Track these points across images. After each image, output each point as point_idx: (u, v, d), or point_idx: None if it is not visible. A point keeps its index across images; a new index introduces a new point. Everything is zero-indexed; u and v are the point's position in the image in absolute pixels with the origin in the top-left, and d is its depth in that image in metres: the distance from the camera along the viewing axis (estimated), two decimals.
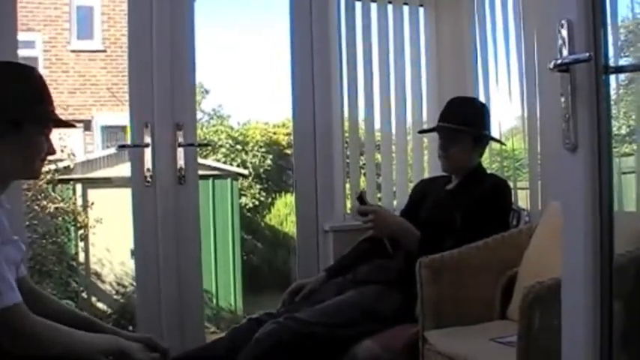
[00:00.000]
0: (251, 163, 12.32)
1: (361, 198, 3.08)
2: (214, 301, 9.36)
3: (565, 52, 1.42)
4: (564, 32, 1.41)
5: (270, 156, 12.56)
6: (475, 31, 4.00)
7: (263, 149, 12.58)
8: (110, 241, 8.89)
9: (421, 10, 4.13)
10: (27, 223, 5.96)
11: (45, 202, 8.10)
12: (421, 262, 2.73)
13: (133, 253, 3.86)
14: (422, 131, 3.66)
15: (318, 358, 2.94)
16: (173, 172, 3.36)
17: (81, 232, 8.89)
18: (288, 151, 12.33)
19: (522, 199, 3.92)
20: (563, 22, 1.41)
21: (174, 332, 3.31)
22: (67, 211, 8.66)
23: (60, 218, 8.48)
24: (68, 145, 8.58)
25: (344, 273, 3.12)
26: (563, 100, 1.47)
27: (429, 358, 2.61)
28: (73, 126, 2.24)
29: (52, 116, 2.06)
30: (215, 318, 9.14)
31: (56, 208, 8.29)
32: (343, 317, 2.79)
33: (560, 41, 1.43)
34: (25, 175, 2.09)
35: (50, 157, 2.20)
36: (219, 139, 12.48)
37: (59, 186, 8.70)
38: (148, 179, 3.34)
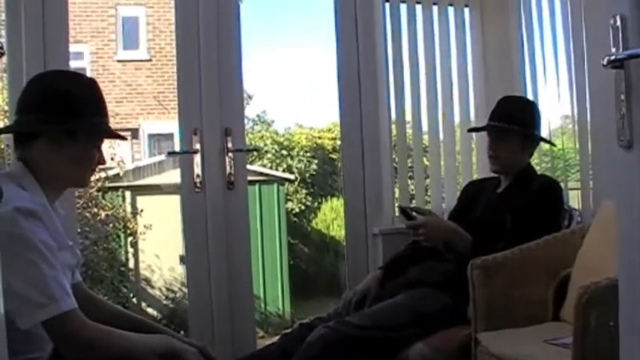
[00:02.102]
0: (297, 168, 12.36)
1: (405, 213, 3.01)
2: (262, 305, 9.41)
3: (619, 48, 1.40)
4: (617, 27, 1.39)
5: (316, 161, 12.58)
6: (522, 30, 3.96)
7: (308, 154, 12.61)
8: (159, 248, 9.00)
9: (466, 10, 4.10)
10: (79, 229, 6.06)
11: (96, 209, 8.24)
12: (473, 263, 2.71)
13: (182, 259, 3.90)
14: (471, 129, 3.64)
15: None
16: (222, 177, 3.39)
17: (131, 238, 9.02)
18: (334, 156, 12.34)
19: (573, 199, 3.87)
20: (616, 16, 1.39)
21: (225, 337, 3.33)
22: (118, 217, 8.79)
23: (110, 225, 8.61)
24: (117, 153, 8.71)
25: (396, 274, 3.11)
26: (617, 96, 1.45)
27: None
28: (124, 138, 2.27)
29: (106, 128, 2.09)
30: (263, 323, 9.18)
31: (107, 215, 8.42)
32: (394, 320, 2.78)
33: (613, 37, 1.41)
34: (75, 184, 2.12)
35: (100, 166, 2.24)
36: (265, 145, 12.55)
37: (109, 193, 8.83)
38: (198, 185, 3.37)
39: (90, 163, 2.08)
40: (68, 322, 1.80)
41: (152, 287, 9.47)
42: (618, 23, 1.41)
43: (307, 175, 12.51)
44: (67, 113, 1.98)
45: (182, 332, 2.60)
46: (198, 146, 3.38)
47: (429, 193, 4.09)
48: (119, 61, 13.71)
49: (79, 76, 2.11)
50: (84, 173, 2.10)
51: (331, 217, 11.91)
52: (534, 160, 3.46)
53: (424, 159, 4.17)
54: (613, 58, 1.41)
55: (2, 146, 4.42)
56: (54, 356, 1.98)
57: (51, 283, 1.78)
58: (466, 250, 2.87)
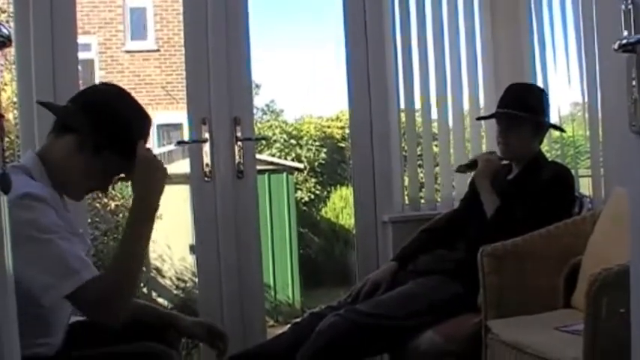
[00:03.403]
0: (306, 157, 12.35)
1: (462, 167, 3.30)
2: (273, 294, 9.42)
3: (631, 32, 1.39)
4: (629, 11, 1.38)
5: (325, 149, 12.57)
6: (531, 15, 3.92)
7: (317, 143, 12.60)
8: (170, 237, 9.01)
9: None
10: (89, 220, 6.08)
11: (106, 200, 8.25)
12: (483, 250, 2.71)
13: (192, 248, 3.91)
14: (480, 118, 3.63)
15: (380, 349, 2.96)
16: (232, 166, 3.39)
17: None
18: (342, 145, 12.32)
19: (584, 186, 3.85)
20: (627, 0, 1.38)
21: (235, 326, 3.34)
22: (128, 208, 8.80)
23: (120, 215, 8.63)
24: None
25: (407, 263, 3.11)
26: (628, 81, 1.44)
27: (493, 347, 2.59)
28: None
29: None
30: (273, 311, 9.19)
31: (117, 206, 8.43)
32: (404, 309, 2.79)
33: (624, 21, 1.40)
34: (70, 193, 2.11)
35: (98, 192, 2.27)
36: (274, 134, 12.55)
37: (119, 184, 8.82)
38: (207, 174, 3.38)
39: (95, 184, 2.11)
40: (93, 290, 1.83)
41: (163, 277, 9.50)
42: (630, 7, 1.39)
43: (316, 164, 12.50)
44: (109, 132, 2.00)
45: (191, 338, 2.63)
46: (207, 135, 3.38)
47: (438, 181, 4.08)
48: (127, 51, 13.73)
49: (142, 111, 2.13)
50: (83, 187, 2.13)
51: (340, 206, 11.90)
52: (544, 147, 3.44)
53: (434, 146, 4.15)
54: (625, 42, 1.40)
55: (12, 137, 4.44)
56: (66, 343, 2.00)
57: (69, 257, 1.82)
58: (490, 210, 2.95)
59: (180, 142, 6.01)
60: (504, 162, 3.16)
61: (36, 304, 1.81)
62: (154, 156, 2.07)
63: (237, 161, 3.40)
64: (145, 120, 2.13)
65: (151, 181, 2.01)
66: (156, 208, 1.99)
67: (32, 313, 1.75)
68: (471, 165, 3.20)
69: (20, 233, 1.68)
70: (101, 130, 1.99)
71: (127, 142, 2.01)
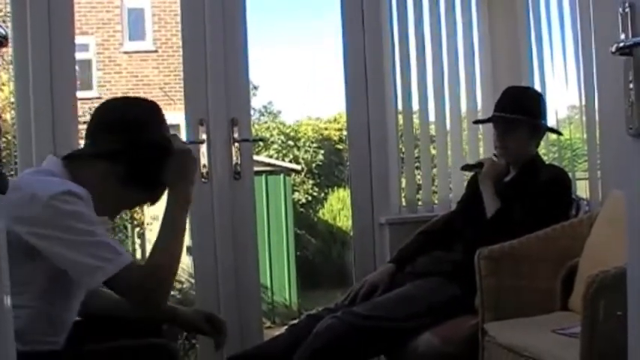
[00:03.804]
0: (303, 158, 12.36)
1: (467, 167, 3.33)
2: (269, 296, 9.42)
3: (628, 35, 1.39)
4: (626, 14, 1.38)
5: (322, 151, 12.58)
6: (529, 18, 3.93)
7: (315, 145, 12.61)
8: None
9: (473, 0, 4.07)
10: None
11: None
12: (480, 252, 2.71)
13: (189, 249, 3.91)
14: (477, 121, 3.62)
15: (377, 351, 2.95)
16: (229, 167, 3.39)
17: (137, 229, 9.03)
18: (340, 146, 12.33)
19: (581, 189, 3.86)
20: (625, 3, 1.38)
21: (233, 328, 3.31)
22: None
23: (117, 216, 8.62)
24: None
25: (405, 265, 3.11)
26: (625, 84, 1.44)
27: (490, 350, 2.59)
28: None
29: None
30: (270, 313, 9.19)
31: None
32: (402, 310, 2.79)
33: (621, 23, 1.40)
34: (101, 212, 2.13)
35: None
36: (271, 136, 12.55)
37: None
38: (204, 175, 3.38)
39: (126, 208, 2.23)
40: (135, 274, 1.91)
41: None
42: (627, 10, 1.40)
43: (314, 165, 12.52)
44: (147, 158, 2.08)
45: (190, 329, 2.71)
46: (204, 136, 3.38)
47: (435, 183, 4.08)
48: (125, 52, 13.71)
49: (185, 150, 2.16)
50: (116, 210, 2.26)
51: (338, 208, 11.91)
52: (541, 150, 3.44)
53: (431, 149, 4.15)
54: (622, 45, 1.40)
55: (9, 137, 4.44)
56: (69, 340, 2.07)
57: (111, 242, 1.93)
58: (491, 211, 2.97)
59: None
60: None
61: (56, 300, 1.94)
62: (189, 148, 2.16)
63: (234, 162, 3.40)
64: (183, 146, 2.18)
65: (186, 173, 2.09)
66: (190, 199, 2.09)
67: (45, 313, 1.92)
68: (477, 165, 3.21)
69: (62, 224, 1.85)
70: (134, 160, 2.06)
71: (158, 171, 2.09)
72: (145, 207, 8.90)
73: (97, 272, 1.87)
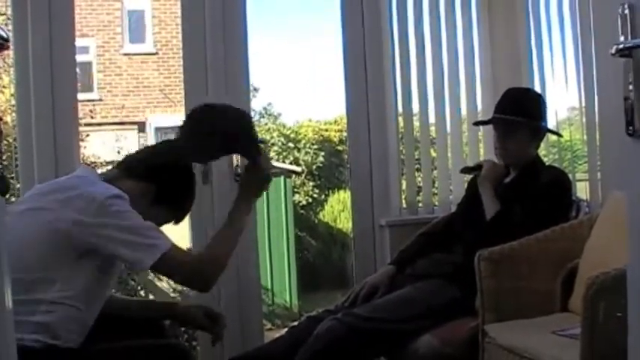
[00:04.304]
0: (303, 160, 12.35)
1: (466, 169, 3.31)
2: (270, 298, 9.41)
3: (627, 37, 1.39)
4: (626, 16, 1.38)
5: (323, 153, 12.57)
6: (529, 19, 3.94)
7: (315, 146, 12.60)
8: None
9: (473, 1, 4.07)
10: None
11: None
12: (480, 254, 2.71)
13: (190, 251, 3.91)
14: (477, 123, 3.62)
15: (378, 353, 2.95)
16: (229, 169, 3.40)
17: None
18: (340, 148, 12.33)
19: (581, 190, 3.86)
20: (624, 5, 1.38)
21: (233, 330, 3.32)
22: None
23: None
24: (125, 147, 8.72)
25: (405, 267, 3.11)
26: (625, 86, 1.45)
27: (490, 351, 2.59)
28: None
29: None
30: (271, 315, 9.18)
31: None
32: (402, 312, 2.79)
33: (621, 25, 1.40)
34: None
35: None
36: (272, 138, 12.55)
37: None
38: (205, 178, 3.38)
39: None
40: (177, 253, 2.16)
41: (160, 280, 9.46)
42: (626, 11, 1.40)
43: (314, 167, 12.51)
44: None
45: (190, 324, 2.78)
46: None
47: (436, 185, 4.08)
48: (125, 54, 13.74)
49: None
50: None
51: (338, 210, 11.90)
52: (542, 152, 3.44)
53: (431, 151, 4.16)
54: (621, 46, 1.40)
55: (10, 140, 4.44)
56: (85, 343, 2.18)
57: (152, 227, 2.15)
58: (490, 213, 2.96)
59: None
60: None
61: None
62: (272, 170, 2.45)
63: (234, 164, 3.40)
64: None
65: (259, 189, 2.40)
66: (251, 208, 2.43)
67: (78, 312, 2.09)
68: (476, 168, 3.20)
69: (119, 216, 2.09)
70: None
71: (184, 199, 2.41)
72: None
73: (153, 249, 2.09)
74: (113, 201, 2.10)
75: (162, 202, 2.30)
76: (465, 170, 3.34)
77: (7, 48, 1.24)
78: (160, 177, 2.29)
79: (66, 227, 2.05)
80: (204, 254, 2.27)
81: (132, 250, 2.10)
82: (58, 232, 2.06)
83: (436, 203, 3.97)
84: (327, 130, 12.92)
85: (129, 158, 2.39)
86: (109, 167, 2.50)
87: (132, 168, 2.31)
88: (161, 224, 2.27)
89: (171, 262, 2.13)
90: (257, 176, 2.37)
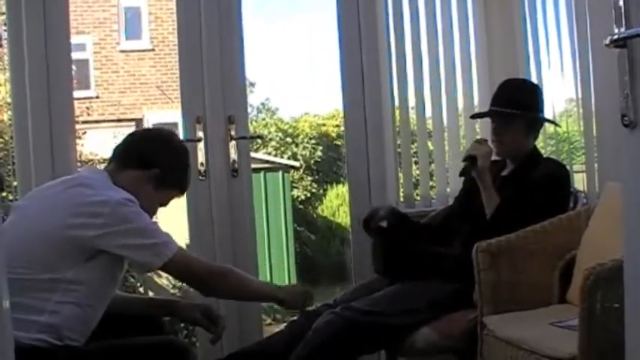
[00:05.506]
0: (301, 155, 12.36)
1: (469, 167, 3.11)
2: None
3: (622, 27, 1.39)
4: (620, 7, 1.39)
5: (321, 147, 12.58)
6: (525, 11, 3.93)
7: (313, 141, 12.61)
8: None
9: None
10: None
11: None
12: (478, 247, 2.71)
13: (188, 247, 3.91)
14: (474, 116, 3.62)
15: (377, 347, 2.96)
16: (226, 165, 3.39)
17: None
18: (338, 142, 12.33)
19: (578, 182, 3.86)
20: None
21: (232, 325, 3.32)
22: None
23: None
24: None
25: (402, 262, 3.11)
26: (620, 76, 1.45)
27: (488, 343, 2.60)
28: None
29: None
30: (270, 310, 9.19)
31: None
32: (400, 305, 2.79)
33: (616, 16, 1.40)
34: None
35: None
36: (269, 133, 12.55)
37: None
38: (202, 173, 3.38)
39: (162, 205, 2.51)
40: (185, 253, 2.36)
41: (159, 276, 9.47)
42: (621, 3, 1.40)
43: (312, 162, 12.52)
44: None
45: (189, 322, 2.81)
46: (201, 134, 3.38)
47: (433, 178, 4.08)
48: (122, 51, 13.71)
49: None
50: (155, 210, 2.49)
51: (337, 204, 11.91)
52: (539, 144, 3.44)
53: (428, 144, 4.15)
54: (616, 37, 1.40)
55: (6, 138, 4.44)
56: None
57: (160, 229, 2.26)
58: (491, 207, 2.92)
59: None
60: (497, 159, 3.15)
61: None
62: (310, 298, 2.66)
63: (231, 160, 3.39)
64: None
65: (294, 304, 2.64)
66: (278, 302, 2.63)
67: (84, 313, 2.14)
68: (472, 163, 3.04)
69: (130, 220, 2.17)
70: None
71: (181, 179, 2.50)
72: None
73: (163, 249, 2.20)
74: (123, 204, 2.18)
75: (167, 182, 2.40)
76: (464, 173, 3.13)
77: (2, 46, 1.26)
78: (160, 159, 2.37)
79: (75, 230, 2.09)
80: (217, 271, 2.49)
81: (141, 252, 2.20)
82: (68, 235, 2.08)
83: (433, 196, 3.97)
84: (324, 125, 12.93)
85: (120, 149, 2.42)
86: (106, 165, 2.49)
87: (128, 158, 2.37)
88: (170, 201, 2.46)
89: (179, 265, 2.27)
90: (300, 297, 2.65)
